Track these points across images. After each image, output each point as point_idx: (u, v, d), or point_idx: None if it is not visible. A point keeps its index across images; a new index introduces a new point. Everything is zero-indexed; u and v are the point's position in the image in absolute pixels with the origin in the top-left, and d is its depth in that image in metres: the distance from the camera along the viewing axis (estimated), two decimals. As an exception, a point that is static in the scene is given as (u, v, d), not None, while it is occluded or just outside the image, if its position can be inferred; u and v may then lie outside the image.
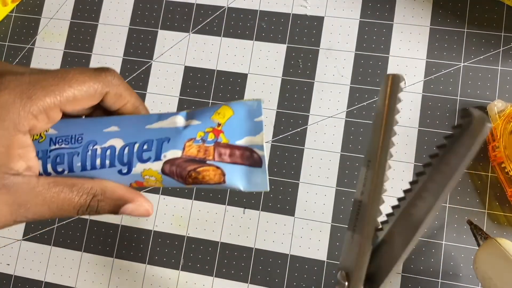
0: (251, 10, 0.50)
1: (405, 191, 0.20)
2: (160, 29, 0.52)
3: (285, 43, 0.49)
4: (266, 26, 0.50)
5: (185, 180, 0.24)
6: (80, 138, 0.25)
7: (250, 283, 0.45)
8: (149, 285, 0.47)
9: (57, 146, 0.25)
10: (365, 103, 0.47)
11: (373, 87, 0.47)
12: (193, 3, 0.51)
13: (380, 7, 0.49)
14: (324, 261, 0.45)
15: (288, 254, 0.45)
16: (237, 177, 0.24)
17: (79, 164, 0.24)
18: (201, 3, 0.51)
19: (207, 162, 0.24)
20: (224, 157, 0.24)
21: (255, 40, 0.50)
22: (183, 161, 0.24)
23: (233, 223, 0.47)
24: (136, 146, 0.24)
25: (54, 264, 0.49)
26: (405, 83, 0.47)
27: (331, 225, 0.45)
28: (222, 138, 0.24)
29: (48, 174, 0.25)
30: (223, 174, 0.24)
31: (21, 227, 0.50)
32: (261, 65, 0.49)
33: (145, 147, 0.24)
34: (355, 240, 0.22)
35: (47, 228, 0.49)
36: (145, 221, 0.48)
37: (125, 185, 0.25)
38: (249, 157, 0.24)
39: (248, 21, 0.50)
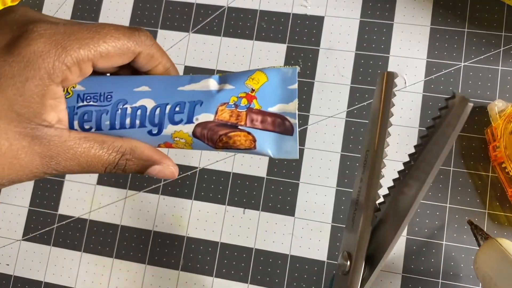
0: (251, 9, 0.50)
1: (399, 172, 0.21)
2: (160, 28, 0.51)
3: (285, 43, 0.49)
4: (266, 26, 0.50)
5: (215, 144, 0.24)
6: (109, 96, 0.24)
7: (250, 283, 0.45)
8: (149, 285, 0.47)
9: (84, 103, 0.24)
10: (365, 103, 0.47)
11: (373, 87, 0.47)
12: (193, 3, 0.51)
13: (380, 7, 0.49)
14: (324, 261, 0.45)
15: (288, 254, 0.45)
16: (267, 144, 0.24)
17: (108, 122, 0.24)
18: (201, 2, 0.51)
19: (239, 127, 0.24)
20: (255, 123, 0.24)
21: (255, 40, 0.50)
22: (215, 125, 0.24)
23: (233, 223, 0.47)
24: (168, 107, 0.24)
25: (53, 264, 0.49)
26: (405, 82, 0.47)
27: (331, 225, 0.45)
28: (255, 104, 0.24)
29: None
30: (254, 140, 0.24)
31: (20, 227, 0.50)
32: (261, 65, 0.49)
33: (177, 109, 0.24)
34: (356, 222, 0.23)
35: (47, 228, 0.49)
36: (145, 221, 0.48)
37: (153, 146, 0.25)
38: (280, 124, 0.24)
39: (248, 20, 0.50)
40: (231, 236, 0.47)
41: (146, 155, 0.25)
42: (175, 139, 0.24)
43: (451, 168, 0.45)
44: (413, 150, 0.24)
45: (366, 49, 0.48)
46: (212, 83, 0.24)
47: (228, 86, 0.24)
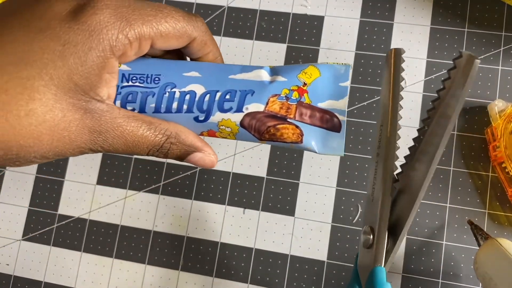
0: (251, 9, 0.50)
1: (415, 139, 0.22)
2: (160, 28, 0.51)
3: (285, 43, 0.49)
4: (266, 26, 0.50)
5: (261, 135, 0.24)
6: (157, 79, 0.24)
7: (250, 283, 0.45)
8: (149, 286, 0.47)
9: (130, 83, 0.24)
10: (365, 103, 0.47)
11: (373, 86, 0.47)
12: (193, 3, 0.51)
13: (381, 7, 0.49)
14: (324, 261, 0.45)
15: (288, 254, 0.45)
16: (314, 139, 0.24)
17: (153, 105, 0.24)
18: (201, 2, 0.51)
19: (288, 120, 0.24)
20: (304, 117, 0.24)
21: (255, 39, 0.50)
22: (264, 116, 0.24)
23: (233, 223, 0.47)
24: (218, 94, 0.24)
25: (53, 264, 0.49)
26: (405, 82, 0.47)
27: (331, 225, 0.45)
28: (306, 98, 0.24)
29: None
30: (301, 135, 0.24)
31: (20, 227, 0.50)
32: (261, 64, 0.49)
33: (227, 96, 0.24)
34: (376, 195, 0.23)
35: (47, 228, 0.49)
36: (145, 221, 0.48)
37: (196, 133, 0.25)
38: (328, 121, 0.24)
39: (248, 20, 0.50)
40: (231, 236, 0.47)
41: (190, 141, 0.24)
42: (221, 127, 0.24)
43: (451, 168, 0.45)
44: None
45: (366, 49, 0.48)
46: (264, 74, 0.24)
47: (281, 78, 0.24)
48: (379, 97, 0.47)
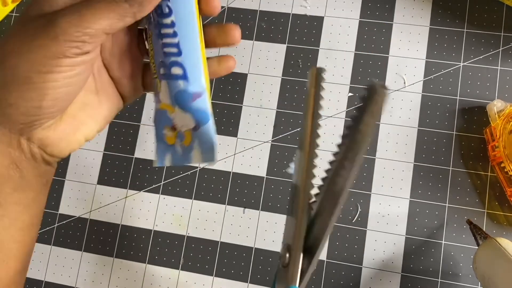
0: (251, 10, 0.50)
1: (330, 163, 0.23)
2: (160, 29, 0.52)
3: (285, 43, 0.49)
4: (266, 26, 0.50)
5: None
6: None
7: (250, 283, 0.45)
8: (149, 285, 0.47)
9: None
10: (364, 103, 0.47)
11: (372, 87, 0.47)
12: (193, 3, 0.52)
13: (380, 7, 0.49)
14: (324, 260, 0.45)
15: (288, 254, 0.45)
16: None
17: None
18: (201, 3, 0.51)
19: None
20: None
21: (255, 40, 0.50)
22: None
23: (233, 223, 0.47)
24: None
25: (54, 264, 0.49)
26: (405, 82, 0.47)
27: (331, 224, 0.45)
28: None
29: None
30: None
31: (21, 226, 0.50)
32: (261, 65, 0.49)
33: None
34: (294, 214, 0.24)
35: (47, 228, 0.49)
36: (145, 220, 0.48)
37: None
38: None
39: (248, 21, 0.50)
40: (231, 235, 0.47)
41: None
42: None
43: (450, 168, 0.45)
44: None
45: (366, 49, 0.48)
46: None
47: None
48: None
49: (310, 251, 0.23)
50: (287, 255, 0.23)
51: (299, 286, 0.23)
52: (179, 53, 0.25)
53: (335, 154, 0.22)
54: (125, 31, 0.26)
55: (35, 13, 0.22)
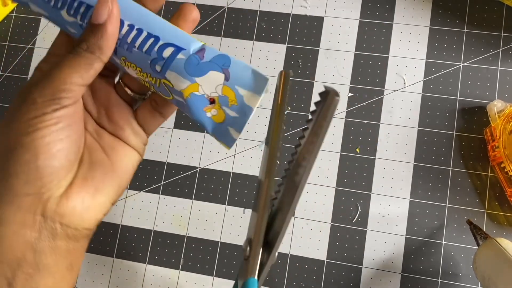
0: (251, 10, 0.50)
1: (289, 162, 0.24)
2: (160, 29, 0.52)
3: (285, 43, 0.49)
4: (266, 26, 0.50)
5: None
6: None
7: (250, 283, 0.45)
8: (149, 285, 0.47)
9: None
10: (364, 103, 0.47)
11: (373, 87, 0.47)
12: (193, 3, 0.52)
13: (380, 7, 0.49)
14: (324, 260, 0.45)
15: (288, 254, 0.46)
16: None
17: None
18: (201, 3, 0.51)
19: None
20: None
21: (255, 40, 0.50)
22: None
23: (233, 223, 0.47)
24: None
25: (54, 264, 0.49)
26: (405, 82, 0.47)
27: (331, 224, 0.45)
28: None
29: None
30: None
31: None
32: (261, 65, 0.49)
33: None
34: (256, 212, 0.26)
35: (47, 228, 0.49)
36: (145, 220, 0.48)
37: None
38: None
39: (248, 21, 0.50)
40: (231, 236, 0.47)
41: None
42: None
43: (450, 168, 0.45)
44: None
45: (366, 49, 0.48)
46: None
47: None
48: (379, 97, 0.47)
49: (270, 245, 0.25)
50: (248, 248, 0.25)
51: (257, 278, 0.24)
52: (156, 39, 0.24)
53: (293, 155, 0.24)
54: (101, 85, 0.27)
55: (24, 89, 0.24)
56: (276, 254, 0.25)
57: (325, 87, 0.21)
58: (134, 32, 0.24)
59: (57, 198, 0.23)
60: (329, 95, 0.21)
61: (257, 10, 0.50)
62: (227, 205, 0.47)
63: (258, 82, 0.24)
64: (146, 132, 0.28)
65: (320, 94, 0.22)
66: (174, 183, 0.48)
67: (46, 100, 0.22)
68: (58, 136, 0.23)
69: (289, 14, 0.50)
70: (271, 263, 0.25)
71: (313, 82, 0.48)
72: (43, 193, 0.22)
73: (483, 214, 0.44)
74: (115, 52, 0.25)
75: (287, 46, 0.49)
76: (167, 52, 0.24)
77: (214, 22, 0.51)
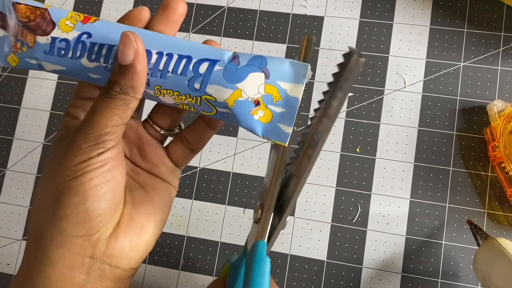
0: (251, 10, 0.50)
1: (306, 127, 0.23)
2: (160, 29, 0.52)
3: (285, 43, 0.49)
4: (266, 26, 0.50)
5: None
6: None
7: (250, 283, 0.45)
8: (149, 285, 0.47)
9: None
10: (365, 103, 0.47)
11: (373, 87, 0.47)
12: (193, 3, 0.51)
13: (380, 7, 0.49)
14: (324, 261, 0.45)
15: (288, 254, 0.45)
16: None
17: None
18: (201, 2, 0.51)
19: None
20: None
21: (255, 40, 0.50)
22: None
23: (233, 223, 0.47)
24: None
25: (54, 264, 0.49)
26: (405, 82, 0.47)
27: (331, 224, 0.45)
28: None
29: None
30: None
31: (20, 227, 0.50)
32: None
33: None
34: (268, 172, 0.26)
35: (47, 228, 0.49)
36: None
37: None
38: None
39: (248, 21, 0.50)
40: (231, 236, 0.47)
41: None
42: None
43: (451, 168, 0.45)
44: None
45: (366, 49, 0.48)
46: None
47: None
48: (379, 97, 0.47)
49: (281, 209, 0.25)
50: (260, 211, 0.25)
51: (268, 241, 0.25)
52: (189, 58, 0.24)
53: (312, 118, 0.23)
54: (130, 124, 0.28)
55: (62, 135, 0.25)
56: (287, 219, 0.25)
57: (350, 47, 0.21)
58: (164, 58, 0.24)
59: (106, 239, 0.23)
60: (352, 56, 0.21)
61: (257, 10, 0.50)
62: (227, 205, 0.47)
63: (298, 71, 0.24)
64: (178, 167, 0.29)
65: (344, 55, 0.21)
66: (174, 183, 0.48)
67: (91, 145, 0.23)
68: (105, 178, 0.23)
69: (289, 13, 0.50)
70: (282, 229, 0.25)
71: (313, 82, 0.48)
72: (92, 234, 0.23)
73: (483, 214, 0.44)
74: (147, 84, 0.25)
75: (287, 46, 0.49)
76: (203, 68, 0.24)
77: (214, 22, 0.51)
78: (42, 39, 0.25)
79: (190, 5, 0.51)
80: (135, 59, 0.23)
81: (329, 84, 0.22)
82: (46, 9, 0.25)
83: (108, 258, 0.23)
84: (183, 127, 0.29)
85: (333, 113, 0.22)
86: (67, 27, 0.25)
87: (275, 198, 0.25)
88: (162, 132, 0.28)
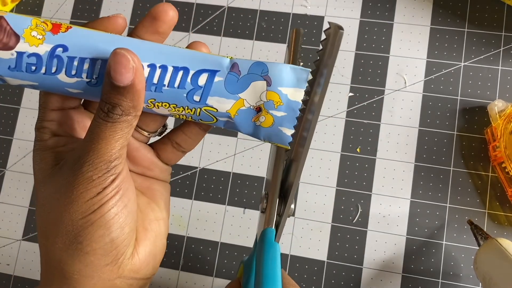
0: (251, 9, 0.50)
1: (301, 110, 0.24)
2: (160, 28, 0.51)
3: (285, 43, 0.49)
4: (266, 26, 0.50)
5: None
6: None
7: (250, 283, 0.45)
8: (149, 285, 0.47)
9: None
10: (365, 103, 0.47)
11: (373, 86, 0.47)
12: (193, 3, 0.51)
13: (380, 7, 0.49)
14: (324, 261, 0.45)
15: (288, 254, 0.45)
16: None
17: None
18: (201, 2, 0.51)
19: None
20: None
21: (255, 39, 0.50)
22: None
23: (233, 223, 0.47)
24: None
25: (53, 264, 0.49)
26: (405, 82, 0.47)
27: (331, 225, 0.45)
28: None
29: None
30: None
31: (20, 227, 0.50)
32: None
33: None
34: (270, 163, 0.27)
35: (47, 228, 0.49)
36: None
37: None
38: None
39: (248, 20, 0.50)
40: (231, 236, 0.47)
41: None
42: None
43: (451, 168, 0.45)
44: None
45: (366, 49, 0.48)
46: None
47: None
48: (379, 97, 0.47)
49: (286, 196, 0.26)
50: (265, 201, 0.26)
51: (276, 228, 0.25)
52: (185, 70, 0.23)
53: (305, 102, 0.24)
54: None
55: (47, 159, 0.24)
56: (292, 206, 0.26)
57: (329, 22, 0.21)
58: (158, 71, 0.23)
59: (130, 258, 0.24)
60: (332, 30, 0.21)
61: (257, 10, 0.50)
62: (227, 205, 0.47)
63: (299, 77, 0.23)
64: (169, 165, 0.29)
65: (325, 31, 0.22)
66: (174, 183, 0.48)
67: (102, 174, 0.22)
68: (123, 203, 0.23)
69: (289, 13, 0.50)
70: (288, 216, 0.26)
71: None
72: (118, 258, 0.23)
73: (484, 214, 0.44)
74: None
75: (287, 46, 0.49)
76: (203, 80, 0.23)
77: (214, 22, 0.51)
78: (4, 54, 0.22)
79: (190, 5, 0.51)
80: (135, 79, 0.21)
81: (315, 62, 0.23)
82: (1, 17, 0.22)
83: (134, 273, 0.24)
84: (167, 125, 0.29)
85: (320, 90, 0.22)
86: (35, 40, 0.22)
87: (278, 185, 0.26)
88: (148, 135, 0.28)
